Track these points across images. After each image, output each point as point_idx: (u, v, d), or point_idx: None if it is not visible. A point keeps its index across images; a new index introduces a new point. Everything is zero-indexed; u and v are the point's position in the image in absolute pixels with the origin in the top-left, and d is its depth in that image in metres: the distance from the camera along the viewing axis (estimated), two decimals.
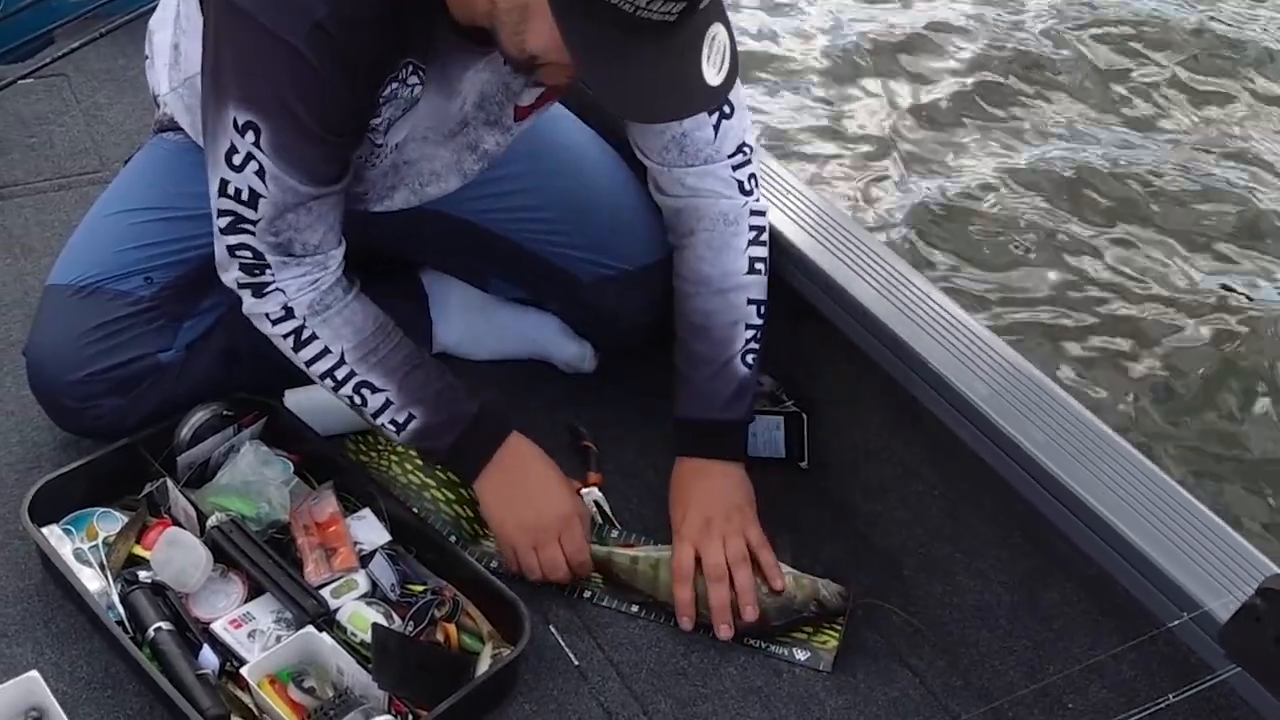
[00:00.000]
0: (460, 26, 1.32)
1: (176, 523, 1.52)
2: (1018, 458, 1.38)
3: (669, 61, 1.16)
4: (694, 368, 1.61)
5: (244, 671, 1.35)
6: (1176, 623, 1.19)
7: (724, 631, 1.52)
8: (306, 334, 1.48)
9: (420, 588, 1.49)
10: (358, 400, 1.51)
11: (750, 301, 1.59)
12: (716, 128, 1.55)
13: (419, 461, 1.66)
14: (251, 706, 1.35)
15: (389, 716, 1.32)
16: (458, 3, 1.29)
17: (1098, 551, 1.31)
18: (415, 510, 1.59)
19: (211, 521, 1.48)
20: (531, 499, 1.54)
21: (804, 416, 1.75)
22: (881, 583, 1.60)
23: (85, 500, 1.54)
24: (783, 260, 1.66)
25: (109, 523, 1.52)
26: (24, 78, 2.23)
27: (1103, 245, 3.51)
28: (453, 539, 1.56)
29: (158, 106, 1.72)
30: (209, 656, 1.38)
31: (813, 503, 1.73)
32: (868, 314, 1.55)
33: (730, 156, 1.57)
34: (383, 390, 1.50)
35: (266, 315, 1.48)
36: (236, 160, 1.34)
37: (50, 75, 2.31)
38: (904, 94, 4.15)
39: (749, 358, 1.59)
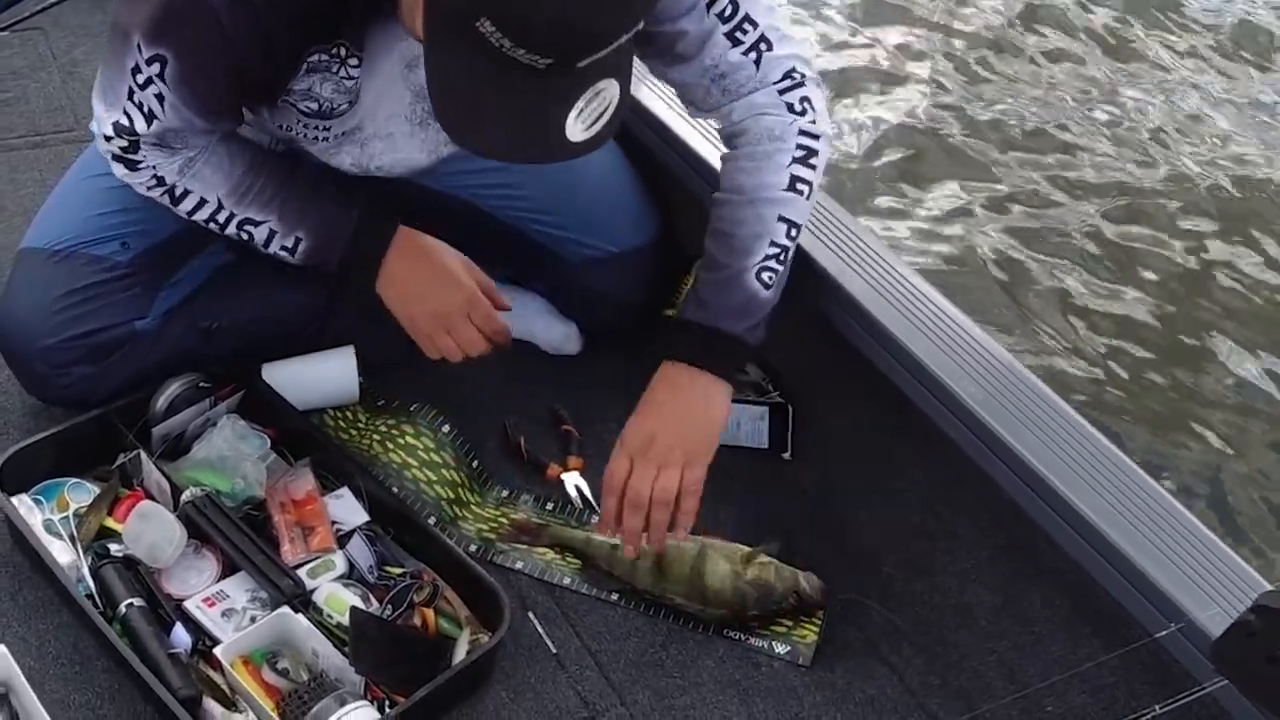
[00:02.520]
0: None
1: (150, 496, 1.49)
2: (1009, 460, 1.37)
3: (530, 104, 1.12)
4: (706, 271, 1.48)
5: (217, 651, 1.33)
6: (1164, 633, 1.19)
7: (628, 552, 1.48)
8: (180, 191, 1.49)
9: (399, 570, 1.47)
10: (244, 237, 1.52)
11: (781, 219, 1.46)
12: (757, 63, 1.45)
13: (401, 441, 1.64)
14: (224, 687, 1.33)
15: (364, 702, 1.30)
16: None
17: (1085, 558, 1.31)
18: (395, 490, 1.57)
19: (186, 496, 1.45)
20: (433, 285, 1.54)
21: (790, 408, 1.73)
22: (862, 578, 1.59)
23: (56, 470, 1.51)
24: None
25: (80, 494, 1.49)
26: None
27: None
28: (432, 520, 1.54)
29: None
30: (181, 635, 1.36)
31: (795, 495, 1.71)
32: (861, 309, 1.54)
33: (777, 83, 1.47)
34: (264, 222, 1.50)
35: (140, 184, 1.49)
36: (139, 79, 1.33)
37: (26, 29, 2.25)
38: None
39: (765, 275, 1.45)
